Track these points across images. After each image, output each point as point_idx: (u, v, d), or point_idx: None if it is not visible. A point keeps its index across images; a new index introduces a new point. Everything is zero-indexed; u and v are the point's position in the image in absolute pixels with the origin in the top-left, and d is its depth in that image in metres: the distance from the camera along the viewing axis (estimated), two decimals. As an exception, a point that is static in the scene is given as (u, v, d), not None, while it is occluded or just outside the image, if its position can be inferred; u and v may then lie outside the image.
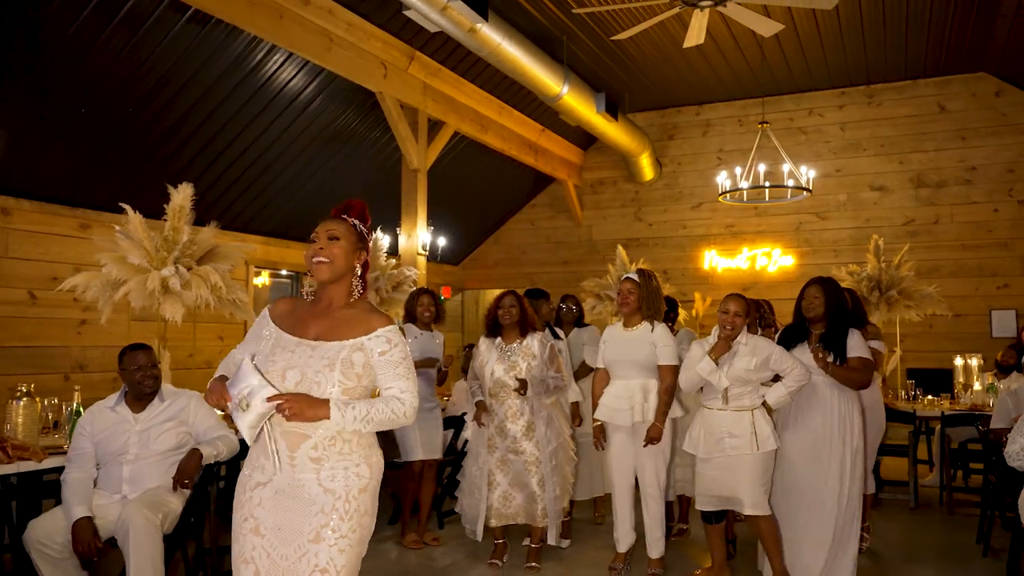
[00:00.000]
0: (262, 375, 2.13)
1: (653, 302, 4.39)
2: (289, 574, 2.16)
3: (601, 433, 4.43)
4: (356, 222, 2.37)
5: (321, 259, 2.26)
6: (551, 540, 4.53)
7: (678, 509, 5.26)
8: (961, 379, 6.72)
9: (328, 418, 2.12)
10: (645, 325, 4.34)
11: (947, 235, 9.45)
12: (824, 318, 4.02)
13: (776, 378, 3.98)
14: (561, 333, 5.36)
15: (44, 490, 3.55)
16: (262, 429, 2.16)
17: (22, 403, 3.72)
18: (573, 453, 4.75)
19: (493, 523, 4.52)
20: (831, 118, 10.05)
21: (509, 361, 4.48)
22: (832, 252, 9.82)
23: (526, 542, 4.65)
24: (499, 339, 4.57)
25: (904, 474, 6.43)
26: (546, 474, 4.43)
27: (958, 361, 6.80)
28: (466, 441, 5.87)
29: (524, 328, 4.54)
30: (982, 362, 6.84)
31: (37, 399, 3.82)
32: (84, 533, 3.16)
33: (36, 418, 3.78)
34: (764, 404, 3.96)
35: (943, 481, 6.08)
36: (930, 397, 6.68)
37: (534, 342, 4.51)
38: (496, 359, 4.51)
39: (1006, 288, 9.13)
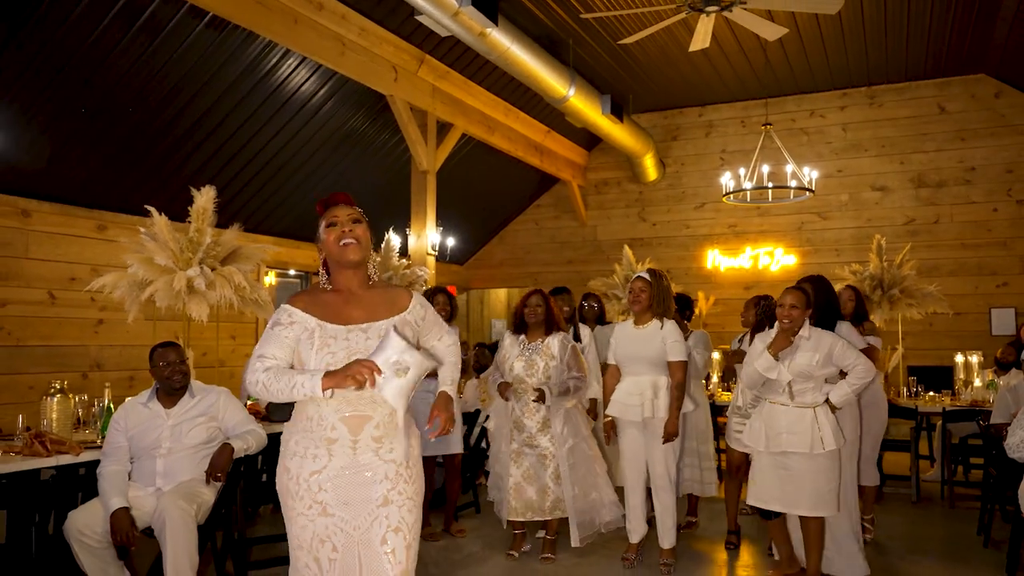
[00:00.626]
0: (408, 342, 2.25)
1: (664, 300, 4.52)
2: (364, 541, 2.27)
3: (612, 428, 4.57)
4: (357, 209, 2.45)
5: (350, 240, 2.32)
6: (574, 542, 4.53)
7: (687, 504, 5.38)
8: (962, 376, 6.85)
9: (456, 395, 2.61)
10: (655, 322, 4.46)
11: (947, 234, 9.58)
12: (812, 317, 4.04)
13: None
14: (584, 330, 5.44)
15: (81, 483, 3.68)
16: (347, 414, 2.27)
17: (56, 399, 3.84)
18: (593, 452, 4.77)
19: (508, 516, 4.64)
20: (833, 119, 10.18)
21: (529, 359, 4.60)
22: (834, 251, 9.95)
23: (540, 534, 4.79)
24: (523, 336, 4.70)
25: (906, 469, 6.56)
26: (563, 471, 4.54)
27: (959, 358, 6.94)
28: (480, 435, 6.02)
29: (549, 327, 4.66)
30: (982, 359, 6.99)
31: (71, 395, 3.94)
32: (122, 523, 3.29)
33: (70, 414, 3.91)
34: (827, 402, 3.88)
35: (944, 475, 6.21)
36: (931, 394, 6.80)
37: (555, 342, 4.62)
38: (517, 355, 4.64)
39: (1005, 287, 9.27)
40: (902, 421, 6.62)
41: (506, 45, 6.80)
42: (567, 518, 4.54)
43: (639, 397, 4.38)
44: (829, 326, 4.11)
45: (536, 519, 4.62)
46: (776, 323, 3.97)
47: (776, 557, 4.27)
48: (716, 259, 10.65)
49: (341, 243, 2.31)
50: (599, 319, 5.94)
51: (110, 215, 6.74)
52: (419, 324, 2.46)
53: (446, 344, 2.63)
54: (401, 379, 2.18)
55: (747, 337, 5.00)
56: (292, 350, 2.29)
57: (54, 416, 3.81)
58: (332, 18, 6.34)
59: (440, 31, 6.52)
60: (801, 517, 3.93)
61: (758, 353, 3.94)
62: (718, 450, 6.15)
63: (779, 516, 4.02)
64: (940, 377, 7.29)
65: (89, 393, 4.97)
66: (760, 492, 3.95)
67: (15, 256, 6.12)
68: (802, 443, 3.80)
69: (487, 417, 5.22)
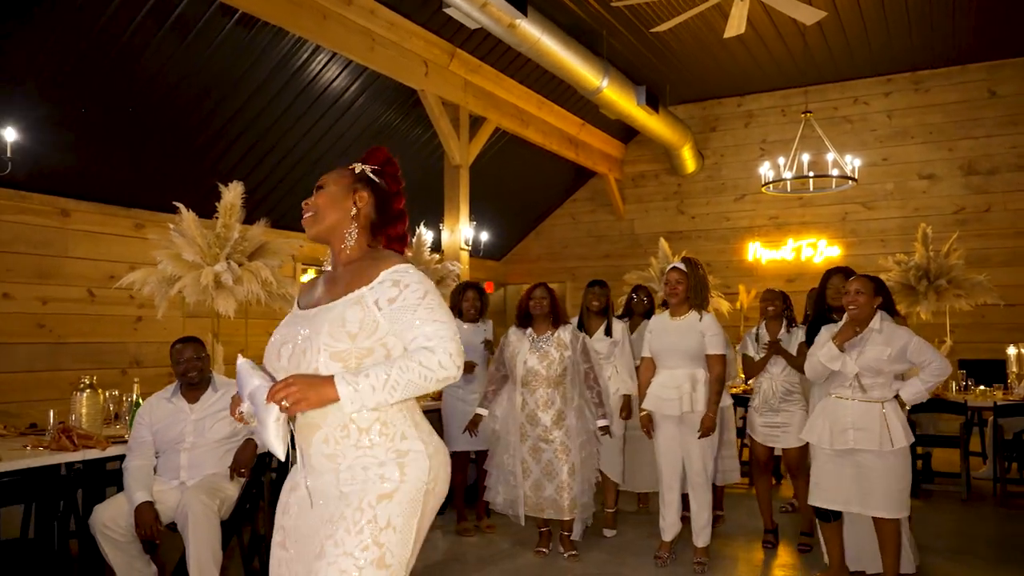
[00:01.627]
0: (264, 372, 1.83)
1: (701, 291, 4.40)
2: None
3: (649, 422, 4.45)
4: (358, 165, 2.05)
5: (304, 214, 1.98)
6: (575, 535, 4.58)
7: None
8: (1014, 369, 6.58)
9: (337, 397, 1.70)
10: (693, 314, 4.35)
11: (999, 223, 9.23)
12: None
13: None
14: (617, 324, 5.32)
15: (108, 478, 3.71)
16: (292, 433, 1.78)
17: (85, 395, 3.88)
18: (597, 452, 4.72)
19: (528, 513, 4.57)
20: (877, 106, 9.89)
21: (541, 351, 4.53)
22: (880, 242, 9.67)
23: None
24: (530, 330, 4.63)
25: (956, 466, 6.33)
26: (576, 464, 4.47)
27: (1011, 351, 6.66)
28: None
29: (556, 319, 4.59)
30: (1036, 351, 6.70)
31: (100, 391, 3.97)
32: (146, 516, 3.30)
33: (99, 409, 3.94)
34: (897, 398, 3.71)
35: (996, 473, 5.98)
36: (982, 388, 6.55)
37: (566, 334, 4.56)
38: (528, 349, 4.56)
39: (1062, 276, 8.90)
40: (952, 416, 6.38)
41: (536, 36, 6.73)
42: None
43: (677, 391, 4.27)
44: None
45: (555, 518, 4.53)
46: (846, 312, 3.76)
47: (826, 559, 4.03)
48: (757, 252, 10.43)
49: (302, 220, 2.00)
50: (647, 313, 5.82)
51: (147, 213, 6.82)
52: (383, 308, 1.84)
53: (425, 333, 1.82)
54: (261, 427, 1.72)
55: (763, 328, 4.84)
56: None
57: (83, 411, 3.85)
58: (361, 13, 6.33)
59: (469, 23, 6.46)
60: (875, 519, 3.71)
61: (822, 343, 3.77)
62: (742, 444, 6.05)
63: (839, 518, 3.84)
64: (992, 370, 7.01)
65: (128, 389, 5.03)
66: (826, 492, 3.76)
67: (55, 255, 6.23)
68: (871, 440, 3.61)
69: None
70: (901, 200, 9.72)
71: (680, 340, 4.31)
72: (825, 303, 4.31)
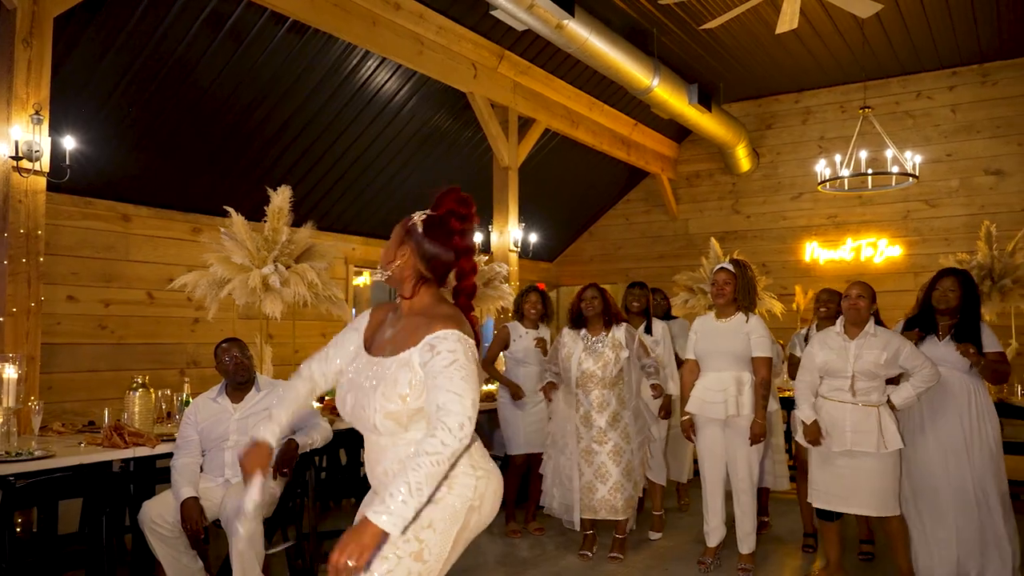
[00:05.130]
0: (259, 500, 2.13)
1: (749, 293, 4.35)
2: None
3: (691, 426, 4.39)
4: (416, 216, 2.10)
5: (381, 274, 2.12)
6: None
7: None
8: (1084, 373, 6.28)
9: (384, 533, 1.80)
10: (740, 316, 4.28)
11: (1073, 220, 8.83)
12: (958, 311, 3.93)
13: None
14: (658, 324, 5.30)
15: (157, 475, 3.82)
16: None
17: (138, 394, 4.01)
18: (649, 454, 4.74)
19: (582, 514, 4.54)
20: (941, 100, 9.55)
21: (597, 352, 4.50)
22: (944, 241, 9.33)
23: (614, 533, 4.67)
24: (584, 331, 4.60)
25: (1022, 473, 6.06)
26: (634, 465, 4.43)
27: (1080, 354, 6.37)
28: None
29: (609, 319, 4.56)
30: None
31: (152, 390, 4.10)
32: (192, 512, 3.39)
33: (151, 408, 4.07)
34: (888, 403, 3.80)
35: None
36: (1051, 392, 6.27)
37: (621, 333, 4.53)
38: (583, 350, 4.53)
39: None
40: (1019, 422, 6.12)
41: (584, 36, 6.69)
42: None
43: (722, 394, 4.20)
44: (974, 324, 3.93)
45: (610, 519, 4.50)
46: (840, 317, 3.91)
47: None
48: (815, 252, 10.18)
49: None
50: (665, 315, 5.80)
51: (205, 218, 7.01)
52: (422, 370, 1.95)
53: (439, 401, 1.88)
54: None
55: (813, 329, 4.74)
56: (352, 357, 2.14)
57: (136, 410, 3.97)
58: (410, 18, 6.39)
59: (516, 25, 6.47)
60: (883, 519, 3.82)
61: (808, 369, 3.95)
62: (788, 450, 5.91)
63: (840, 518, 3.94)
64: (1063, 374, 6.70)
65: (183, 389, 5.18)
66: (825, 493, 3.87)
67: (117, 259, 6.45)
68: (869, 442, 3.72)
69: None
70: (967, 197, 9.37)
71: (726, 342, 4.25)
72: (930, 303, 4.13)
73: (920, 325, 4.01)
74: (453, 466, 1.92)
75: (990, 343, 3.87)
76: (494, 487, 2.06)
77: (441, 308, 2.04)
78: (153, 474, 3.81)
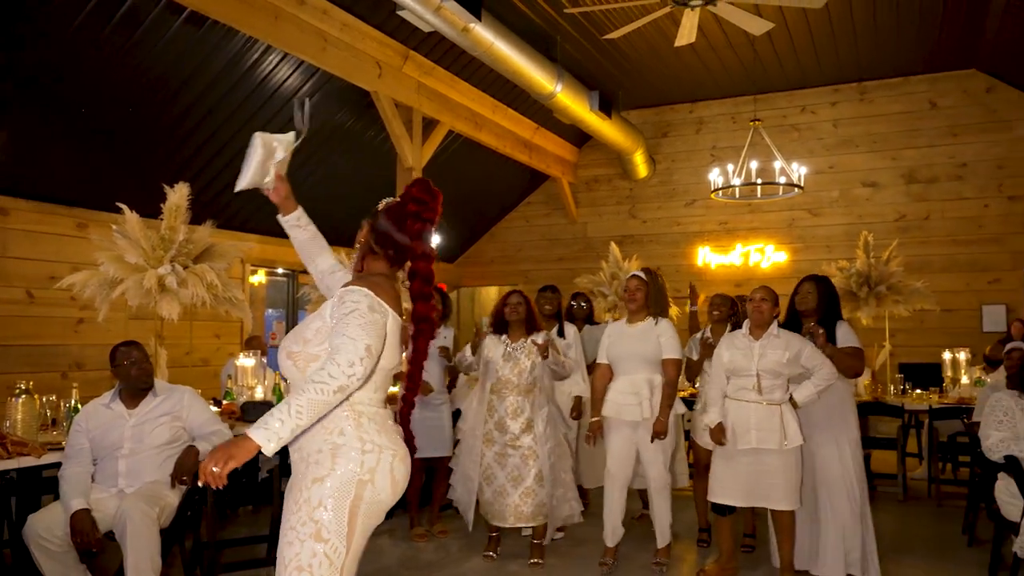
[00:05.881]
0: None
1: (659, 299, 4.57)
2: None
3: (599, 429, 4.49)
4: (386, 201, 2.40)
5: None
6: (545, 541, 4.64)
7: (639, 497, 5.36)
8: (949, 373, 6.80)
9: (257, 446, 1.86)
10: (649, 320, 4.44)
11: (938, 231, 9.52)
12: (816, 312, 4.23)
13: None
14: (570, 328, 5.39)
15: (43, 486, 3.62)
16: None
17: (21, 400, 3.78)
18: (570, 456, 4.79)
19: (491, 520, 4.58)
20: (824, 115, 10.12)
21: (514, 359, 4.54)
22: (825, 248, 9.89)
23: (527, 532, 4.72)
24: (505, 336, 4.64)
25: (894, 467, 6.51)
26: (544, 471, 4.48)
27: (946, 355, 6.88)
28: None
29: (530, 326, 4.61)
30: (970, 356, 6.93)
31: (36, 396, 3.88)
32: (83, 524, 3.22)
33: (35, 415, 3.85)
34: (791, 400, 4.01)
35: (931, 473, 6.16)
36: (919, 391, 6.75)
37: (538, 340, 4.58)
38: (501, 357, 4.57)
39: (996, 283, 9.20)
40: (890, 419, 6.57)
41: (490, 40, 6.73)
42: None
43: (636, 397, 4.34)
44: (831, 322, 4.22)
45: (519, 525, 4.54)
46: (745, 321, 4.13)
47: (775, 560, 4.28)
48: (707, 256, 10.59)
49: None
50: (588, 319, 5.91)
51: (91, 213, 6.67)
52: (331, 320, 2.10)
53: (334, 344, 2.02)
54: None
55: (708, 332, 4.99)
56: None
57: (19, 417, 3.75)
58: (314, 13, 6.27)
59: (423, 26, 6.45)
60: (773, 512, 4.02)
61: (715, 368, 4.14)
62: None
63: (734, 512, 4.13)
64: (930, 374, 7.23)
65: (69, 393, 4.91)
66: (725, 489, 4.04)
67: (-8, 255, 6.06)
68: (773, 440, 3.90)
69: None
70: (846, 207, 9.96)
71: (638, 346, 4.40)
72: (794, 308, 4.40)
73: (789, 327, 4.25)
74: (340, 436, 2.04)
75: (845, 339, 4.17)
76: (388, 462, 2.10)
77: (369, 277, 2.21)
78: (39, 485, 3.60)
